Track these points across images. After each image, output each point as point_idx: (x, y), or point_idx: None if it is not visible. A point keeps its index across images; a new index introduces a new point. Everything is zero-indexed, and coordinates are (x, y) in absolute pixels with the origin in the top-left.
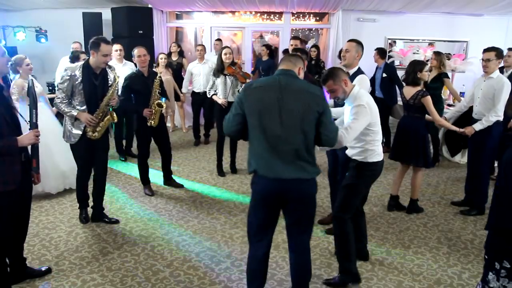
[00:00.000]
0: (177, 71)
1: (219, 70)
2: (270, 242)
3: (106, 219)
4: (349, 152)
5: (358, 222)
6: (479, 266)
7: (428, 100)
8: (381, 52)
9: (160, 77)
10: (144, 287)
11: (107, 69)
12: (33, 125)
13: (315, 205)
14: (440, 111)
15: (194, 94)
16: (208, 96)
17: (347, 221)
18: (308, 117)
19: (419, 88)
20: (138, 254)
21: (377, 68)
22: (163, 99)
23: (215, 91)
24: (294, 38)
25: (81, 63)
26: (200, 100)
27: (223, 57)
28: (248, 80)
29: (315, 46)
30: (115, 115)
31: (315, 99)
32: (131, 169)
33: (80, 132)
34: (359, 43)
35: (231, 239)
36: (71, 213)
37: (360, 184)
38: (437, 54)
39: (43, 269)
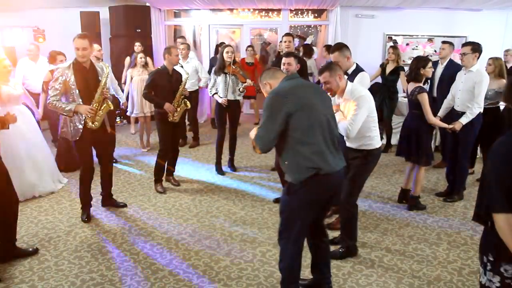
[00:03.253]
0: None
1: (221, 68)
2: None
3: (115, 204)
4: (353, 144)
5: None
6: (479, 262)
7: (423, 97)
8: (328, 48)
9: (187, 77)
10: (143, 286)
11: (94, 63)
12: None
13: None
14: (396, 101)
15: None
16: (210, 95)
17: (355, 205)
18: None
19: (419, 84)
20: (137, 253)
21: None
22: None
23: (216, 89)
24: (286, 34)
25: (70, 62)
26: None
27: (225, 55)
28: (248, 80)
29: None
30: (110, 103)
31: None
32: (130, 168)
33: (81, 126)
34: (340, 49)
35: (230, 237)
36: (70, 213)
37: (369, 171)
38: (394, 48)
39: (30, 249)
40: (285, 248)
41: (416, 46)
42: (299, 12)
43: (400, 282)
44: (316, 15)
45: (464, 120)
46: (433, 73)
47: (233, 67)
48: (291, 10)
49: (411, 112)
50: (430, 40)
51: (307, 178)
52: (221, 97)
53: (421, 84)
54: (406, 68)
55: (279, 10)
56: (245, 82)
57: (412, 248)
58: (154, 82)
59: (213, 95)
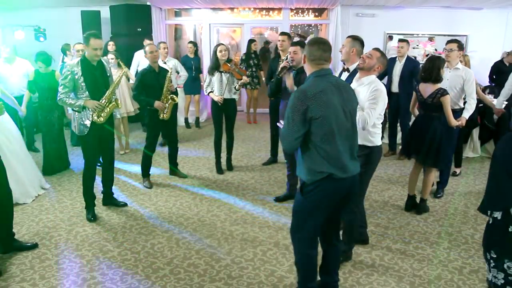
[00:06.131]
0: None
1: (214, 67)
2: None
3: (116, 203)
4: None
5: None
6: (479, 261)
7: (447, 99)
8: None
9: (171, 73)
10: (144, 285)
11: (102, 60)
12: None
13: None
14: None
15: None
16: (205, 94)
17: (360, 208)
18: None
19: (438, 86)
20: (138, 252)
21: None
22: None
23: (212, 88)
24: (282, 34)
25: (78, 59)
26: None
27: (219, 54)
28: (244, 77)
29: (255, 40)
30: (119, 102)
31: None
32: (131, 167)
33: (89, 122)
34: (355, 39)
35: (231, 236)
36: (71, 211)
37: (373, 169)
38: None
39: (29, 244)
40: (299, 248)
41: (417, 45)
42: (300, 11)
43: (400, 281)
44: (316, 14)
45: (466, 114)
46: (392, 70)
47: (229, 64)
48: (291, 9)
49: (427, 115)
50: (430, 39)
51: (319, 179)
52: (217, 96)
53: (441, 86)
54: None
55: (279, 9)
56: (241, 79)
57: (413, 247)
58: (142, 83)
59: (208, 94)
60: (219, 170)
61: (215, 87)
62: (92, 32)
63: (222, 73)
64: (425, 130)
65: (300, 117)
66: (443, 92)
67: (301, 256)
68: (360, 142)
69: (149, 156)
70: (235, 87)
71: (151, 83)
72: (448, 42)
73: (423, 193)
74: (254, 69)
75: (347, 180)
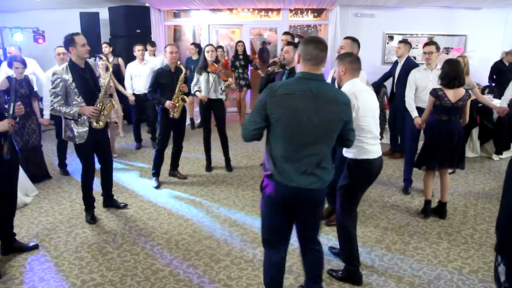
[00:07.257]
0: (115, 73)
1: (202, 67)
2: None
3: (117, 204)
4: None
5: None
6: (479, 261)
7: (469, 101)
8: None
9: (185, 74)
10: (143, 286)
11: (88, 61)
12: (10, 116)
13: (323, 207)
14: None
15: (134, 95)
16: (192, 92)
17: (350, 224)
18: (335, 128)
19: (463, 88)
20: (137, 253)
21: None
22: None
23: (199, 87)
24: (285, 33)
25: (64, 65)
26: (141, 102)
27: (206, 54)
28: (230, 79)
29: (242, 41)
30: (114, 102)
31: (344, 109)
32: (131, 169)
33: (87, 129)
34: (354, 40)
35: (230, 237)
36: (70, 213)
37: (353, 184)
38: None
39: (30, 244)
40: (265, 251)
41: (416, 45)
42: (299, 11)
43: (400, 281)
44: (315, 14)
45: None
46: (395, 71)
47: (216, 65)
48: (290, 10)
49: (453, 120)
50: (430, 39)
51: (267, 176)
52: (202, 94)
53: (425, 87)
54: None
55: (278, 10)
56: (227, 81)
57: (412, 247)
58: (156, 81)
59: (194, 93)
60: (208, 168)
61: (202, 86)
62: (68, 33)
63: (210, 73)
64: (455, 136)
65: (261, 111)
66: (470, 93)
67: (264, 261)
68: (343, 151)
69: (161, 155)
70: (221, 88)
71: (165, 82)
72: (426, 44)
73: (443, 197)
74: (240, 71)
75: (295, 190)
